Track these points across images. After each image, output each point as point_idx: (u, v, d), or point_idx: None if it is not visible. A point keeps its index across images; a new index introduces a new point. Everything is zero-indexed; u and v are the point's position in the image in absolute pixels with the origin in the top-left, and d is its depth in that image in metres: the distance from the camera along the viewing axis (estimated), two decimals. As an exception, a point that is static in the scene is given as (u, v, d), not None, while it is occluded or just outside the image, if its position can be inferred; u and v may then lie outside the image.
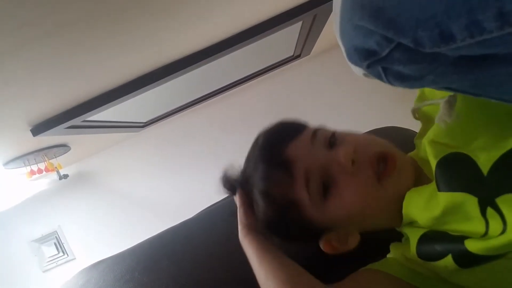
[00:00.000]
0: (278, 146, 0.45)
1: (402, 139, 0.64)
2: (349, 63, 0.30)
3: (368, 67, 0.28)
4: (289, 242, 0.53)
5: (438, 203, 0.39)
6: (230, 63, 1.56)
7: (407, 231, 0.47)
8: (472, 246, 0.36)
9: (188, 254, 0.66)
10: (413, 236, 0.44)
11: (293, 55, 1.94)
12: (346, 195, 0.43)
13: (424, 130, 0.50)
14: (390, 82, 0.28)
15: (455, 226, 0.39)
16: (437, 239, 0.41)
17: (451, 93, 0.38)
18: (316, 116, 0.64)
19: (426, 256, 0.42)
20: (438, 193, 0.39)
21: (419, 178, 0.46)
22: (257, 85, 2.24)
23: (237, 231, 0.54)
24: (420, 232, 0.43)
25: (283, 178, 0.44)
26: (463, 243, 0.37)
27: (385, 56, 0.25)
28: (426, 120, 0.51)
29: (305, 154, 0.44)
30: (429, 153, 0.42)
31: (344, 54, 0.30)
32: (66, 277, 0.78)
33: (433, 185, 0.41)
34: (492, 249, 0.34)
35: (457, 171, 0.38)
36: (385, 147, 0.45)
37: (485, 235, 0.35)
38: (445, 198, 0.38)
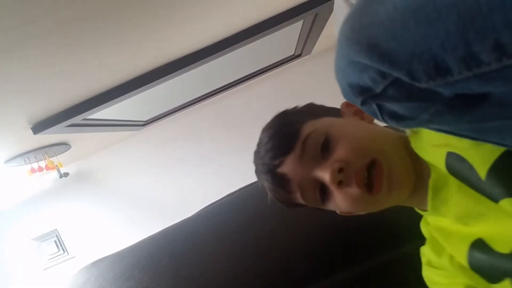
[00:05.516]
0: (275, 161, 0.48)
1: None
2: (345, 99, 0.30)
3: (362, 103, 0.27)
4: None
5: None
6: (231, 62, 1.55)
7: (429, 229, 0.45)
8: None
9: (188, 252, 0.66)
10: (461, 240, 0.39)
11: (294, 54, 1.94)
12: (340, 204, 0.45)
13: None
14: (385, 121, 0.28)
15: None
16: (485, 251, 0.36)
17: None
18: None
19: (480, 271, 0.37)
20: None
21: (418, 169, 0.44)
22: (258, 84, 2.24)
23: (237, 230, 0.55)
24: (472, 238, 0.38)
25: (284, 193, 0.49)
26: None
27: (380, 92, 0.25)
28: None
29: (296, 171, 0.47)
30: (435, 156, 0.40)
31: (341, 91, 0.30)
32: (66, 275, 0.78)
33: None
34: None
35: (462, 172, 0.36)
36: (376, 152, 0.43)
37: None
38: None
